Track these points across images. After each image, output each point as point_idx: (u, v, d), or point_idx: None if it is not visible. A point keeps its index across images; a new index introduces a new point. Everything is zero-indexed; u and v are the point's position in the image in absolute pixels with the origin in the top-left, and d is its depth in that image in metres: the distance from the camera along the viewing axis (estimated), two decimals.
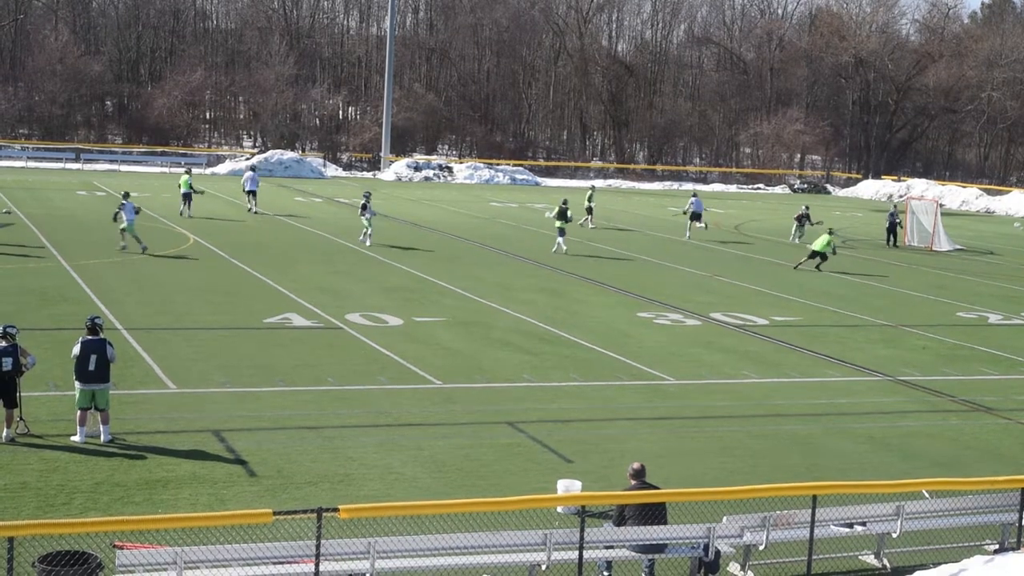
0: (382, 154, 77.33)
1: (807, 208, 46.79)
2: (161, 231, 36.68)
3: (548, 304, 26.92)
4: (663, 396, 18.98)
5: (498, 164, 78.28)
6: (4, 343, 14.61)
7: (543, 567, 10.90)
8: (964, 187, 76.37)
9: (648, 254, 38.05)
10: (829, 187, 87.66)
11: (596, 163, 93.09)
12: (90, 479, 13.32)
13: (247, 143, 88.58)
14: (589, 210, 46.03)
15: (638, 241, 42.12)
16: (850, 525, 12.28)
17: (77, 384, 14.66)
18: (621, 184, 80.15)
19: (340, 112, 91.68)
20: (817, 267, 35.78)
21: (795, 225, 45.34)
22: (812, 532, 11.68)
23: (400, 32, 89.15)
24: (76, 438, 14.60)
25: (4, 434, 14.54)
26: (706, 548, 11.32)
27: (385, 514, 11.56)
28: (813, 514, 11.65)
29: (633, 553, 11.24)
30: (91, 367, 14.65)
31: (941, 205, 51.69)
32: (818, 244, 36.05)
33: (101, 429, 14.71)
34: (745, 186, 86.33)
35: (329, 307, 24.86)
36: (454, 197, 59.27)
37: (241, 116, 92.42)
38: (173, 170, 66.46)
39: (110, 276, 27.48)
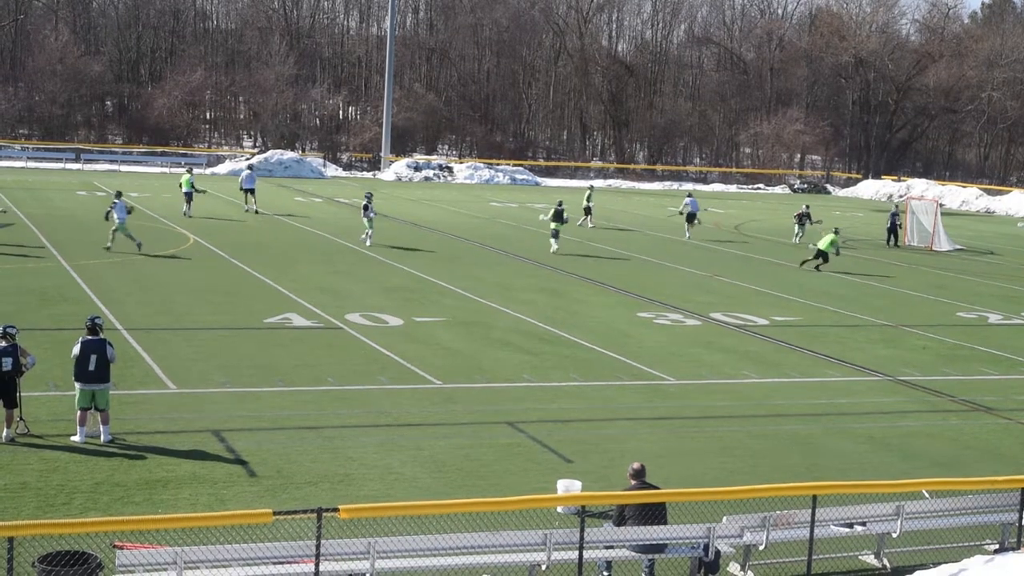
0: (382, 154, 77.33)
1: (807, 207, 46.79)
2: (161, 231, 36.69)
3: (548, 304, 26.92)
4: (663, 396, 18.98)
5: (498, 164, 78.28)
6: (4, 343, 14.61)
7: (543, 567, 10.90)
8: (964, 187, 76.38)
9: (648, 254, 38.05)
10: (829, 187, 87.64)
11: (596, 163, 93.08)
12: (90, 479, 13.32)
13: (247, 143, 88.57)
14: (587, 210, 46.02)
15: (638, 241, 42.12)
16: (850, 525, 12.28)
17: (77, 384, 14.66)
18: (621, 184, 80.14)
19: (340, 112, 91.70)
20: (816, 267, 35.79)
21: (796, 224, 45.31)
22: (812, 532, 11.68)
23: (400, 32, 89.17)
24: (76, 438, 14.60)
25: (4, 434, 14.54)
26: (706, 548, 11.32)
27: (385, 514, 11.56)
28: (813, 514, 11.65)
29: (633, 553, 11.24)
30: (91, 367, 14.65)
31: (941, 205, 51.70)
32: (823, 243, 36.09)
33: (101, 429, 14.72)
34: (745, 186, 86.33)
35: (329, 307, 24.86)
36: (454, 197, 59.27)
37: (241, 116, 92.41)
38: (173, 170, 66.44)
39: (110, 276, 27.48)
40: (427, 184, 69.83)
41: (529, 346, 22.06)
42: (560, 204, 37.72)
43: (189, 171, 46.63)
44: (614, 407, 18.00)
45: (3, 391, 14.52)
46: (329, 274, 29.78)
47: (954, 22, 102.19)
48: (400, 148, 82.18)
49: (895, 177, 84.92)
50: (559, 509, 13.16)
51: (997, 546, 12.78)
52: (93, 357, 14.65)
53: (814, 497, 11.67)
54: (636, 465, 11.73)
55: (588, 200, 46.45)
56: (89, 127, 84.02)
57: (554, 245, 36.60)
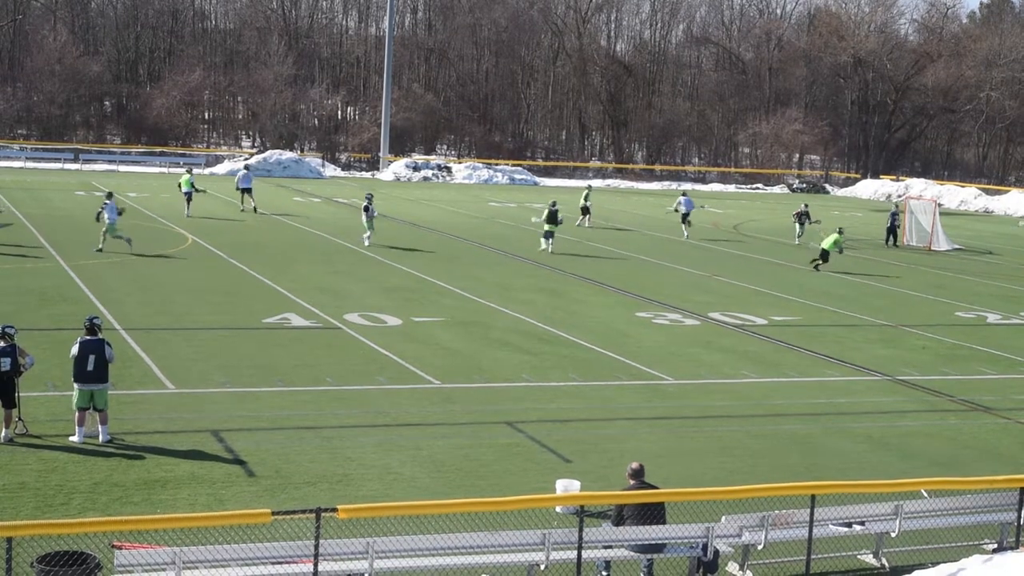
0: (381, 154, 77.29)
1: (806, 206, 46.76)
2: (160, 231, 36.68)
3: (547, 304, 26.93)
4: (662, 396, 18.98)
5: (497, 164, 78.26)
6: (3, 343, 14.61)
7: (542, 567, 10.90)
8: (963, 187, 76.38)
9: (647, 254, 38.06)
10: (828, 187, 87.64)
11: (595, 163, 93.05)
12: (88, 479, 13.32)
13: (246, 143, 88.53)
14: (585, 209, 46.00)
15: (637, 241, 42.12)
16: (849, 525, 12.28)
17: (75, 384, 14.66)
18: (620, 184, 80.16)
19: (339, 112, 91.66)
20: (816, 267, 35.80)
21: (796, 223, 45.24)
22: (811, 532, 11.69)
23: (399, 32, 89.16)
24: (75, 438, 14.60)
25: (3, 434, 14.53)
26: (705, 548, 11.32)
27: (384, 514, 11.56)
28: (812, 514, 11.65)
29: (632, 553, 11.24)
30: (89, 367, 14.64)
31: (940, 205, 51.70)
32: (827, 243, 36.12)
33: (100, 429, 14.71)
34: (744, 186, 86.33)
35: (328, 307, 24.86)
36: (453, 197, 59.27)
37: (240, 116, 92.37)
38: (172, 170, 66.40)
39: (109, 276, 27.47)
40: (426, 184, 69.82)
41: (528, 346, 22.06)
42: (554, 204, 37.31)
43: (189, 171, 46.61)
44: (613, 407, 18.01)
45: (2, 391, 14.51)
46: (328, 274, 29.77)
47: (952, 22, 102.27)
48: (399, 148, 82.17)
49: (894, 177, 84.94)
50: (558, 509, 13.16)
51: (995, 545, 12.78)
52: (91, 357, 14.65)
53: (813, 497, 11.68)
54: (635, 465, 11.73)
55: (586, 200, 46.42)
56: (88, 127, 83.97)
57: (543, 244, 36.56)
